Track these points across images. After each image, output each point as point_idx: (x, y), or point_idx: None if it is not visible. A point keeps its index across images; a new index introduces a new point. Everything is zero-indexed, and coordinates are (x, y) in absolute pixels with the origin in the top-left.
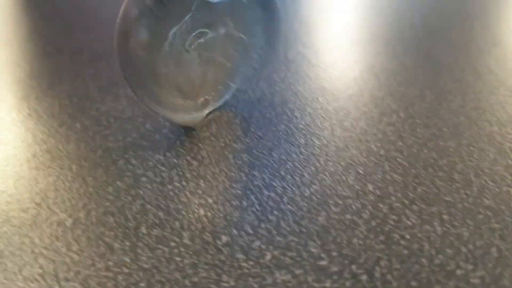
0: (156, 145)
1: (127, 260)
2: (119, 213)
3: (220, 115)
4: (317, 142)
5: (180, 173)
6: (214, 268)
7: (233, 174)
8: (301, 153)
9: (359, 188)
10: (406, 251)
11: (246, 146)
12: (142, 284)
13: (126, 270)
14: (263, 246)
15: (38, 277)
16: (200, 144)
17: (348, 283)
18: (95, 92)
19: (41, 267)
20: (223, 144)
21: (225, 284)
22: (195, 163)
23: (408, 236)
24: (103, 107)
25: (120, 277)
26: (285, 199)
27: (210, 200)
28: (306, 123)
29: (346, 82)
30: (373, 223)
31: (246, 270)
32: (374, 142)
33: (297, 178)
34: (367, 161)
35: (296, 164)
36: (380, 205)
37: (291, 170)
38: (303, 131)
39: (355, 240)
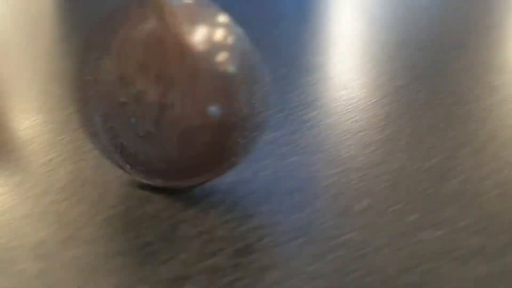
0: (277, 125)
1: (271, 221)
2: (251, 181)
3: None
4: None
5: (296, 148)
6: (361, 229)
7: (348, 154)
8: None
9: (475, 163)
10: None
11: (349, 127)
12: (298, 241)
13: (277, 229)
14: (401, 210)
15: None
16: (302, 130)
17: (503, 237)
18: None
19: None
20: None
21: (377, 243)
22: (302, 142)
23: None
24: None
25: (273, 236)
26: (406, 171)
27: (334, 171)
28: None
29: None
30: (500, 190)
31: (393, 231)
32: (478, 121)
33: (415, 152)
34: (473, 140)
35: (404, 142)
36: (504, 173)
37: (403, 148)
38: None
39: (486, 206)
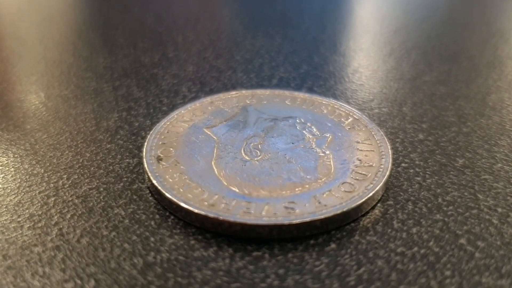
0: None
1: None
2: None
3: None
4: None
5: None
6: (463, 188)
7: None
8: None
9: None
10: None
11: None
12: (390, 202)
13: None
14: (507, 168)
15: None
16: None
17: None
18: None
19: None
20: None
21: (484, 203)
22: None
23: None
24: None
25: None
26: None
27: (424, 126)
28: None
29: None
30: None
31: (500, 190)
32: None
33: None
34: None
35: None
36: None
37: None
38: None
39: None
